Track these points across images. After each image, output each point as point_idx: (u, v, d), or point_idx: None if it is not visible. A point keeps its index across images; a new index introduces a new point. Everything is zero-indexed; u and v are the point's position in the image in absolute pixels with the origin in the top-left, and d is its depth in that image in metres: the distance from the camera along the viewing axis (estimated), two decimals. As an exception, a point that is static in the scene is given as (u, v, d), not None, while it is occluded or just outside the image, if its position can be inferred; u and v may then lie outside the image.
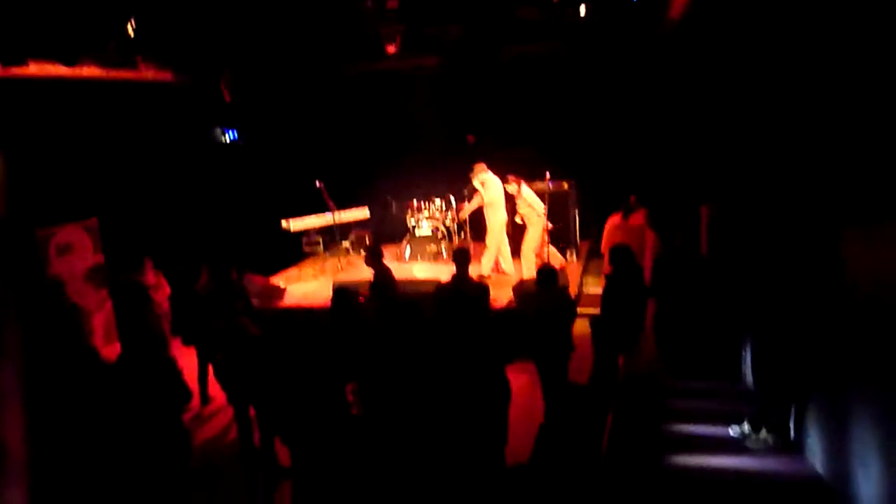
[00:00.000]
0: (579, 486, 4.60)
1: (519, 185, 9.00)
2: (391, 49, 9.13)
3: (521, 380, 6.23)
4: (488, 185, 9.13)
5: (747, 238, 5.81)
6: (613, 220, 8.42)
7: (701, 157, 7.29)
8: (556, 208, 9.69)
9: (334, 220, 10.39)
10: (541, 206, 8.90)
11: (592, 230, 10.34)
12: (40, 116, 7.88)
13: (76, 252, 8.00)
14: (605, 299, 6.03)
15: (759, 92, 5.54)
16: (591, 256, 10.22)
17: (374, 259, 6.33)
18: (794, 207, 4.91)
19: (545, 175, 9.41)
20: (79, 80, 7.64)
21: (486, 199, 9.12)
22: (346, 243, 11.31)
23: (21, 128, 7.62)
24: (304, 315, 7.89)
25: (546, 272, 5.80)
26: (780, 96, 5.10)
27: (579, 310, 7.36)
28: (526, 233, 9.08)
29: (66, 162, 8.19)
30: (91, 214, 8.45)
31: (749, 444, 4.82)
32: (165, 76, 9.03)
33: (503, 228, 9.25)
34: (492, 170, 9.38)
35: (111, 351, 6.69)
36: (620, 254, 6.08)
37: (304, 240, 11.80)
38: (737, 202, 6.19)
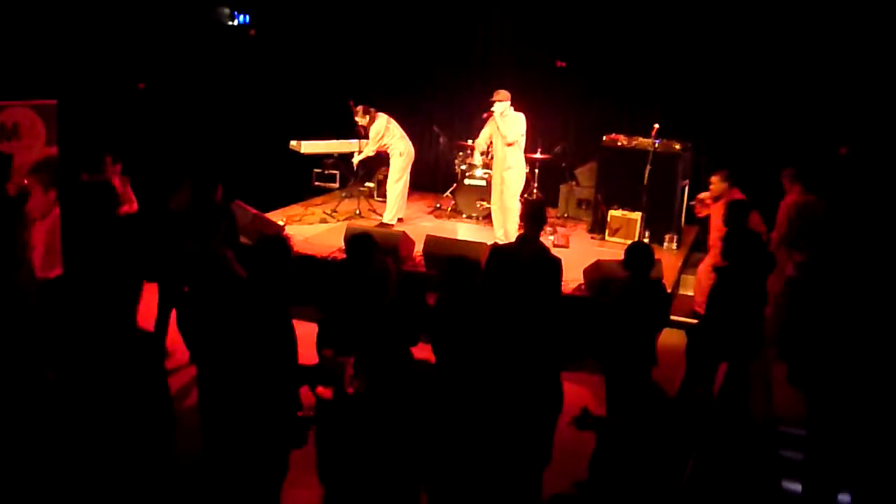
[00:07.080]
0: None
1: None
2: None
3: (578, 392, 6.17)
4: (509, 121, 8.96)
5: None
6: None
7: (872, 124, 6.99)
8: (659, 175, 9.46)
9: (360, 150, 10.34)
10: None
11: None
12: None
13: (24, 138, 8.07)
14: (713, 299, 5.90)
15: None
16: (696, 248, 9.97)
17: None
18: None
19: (652, 128, 9.21)
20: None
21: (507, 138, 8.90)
22: (370, 183, 11.26)
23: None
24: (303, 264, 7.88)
25: (640, 252, 5.60)
26: None
27: (671, 316, 7.25)
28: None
29: (28, 26, 8.28)
30: (50, 95, 8.54)
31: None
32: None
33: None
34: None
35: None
36: (741, 241, 5.89)
37: (317, 171, 11.81)
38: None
